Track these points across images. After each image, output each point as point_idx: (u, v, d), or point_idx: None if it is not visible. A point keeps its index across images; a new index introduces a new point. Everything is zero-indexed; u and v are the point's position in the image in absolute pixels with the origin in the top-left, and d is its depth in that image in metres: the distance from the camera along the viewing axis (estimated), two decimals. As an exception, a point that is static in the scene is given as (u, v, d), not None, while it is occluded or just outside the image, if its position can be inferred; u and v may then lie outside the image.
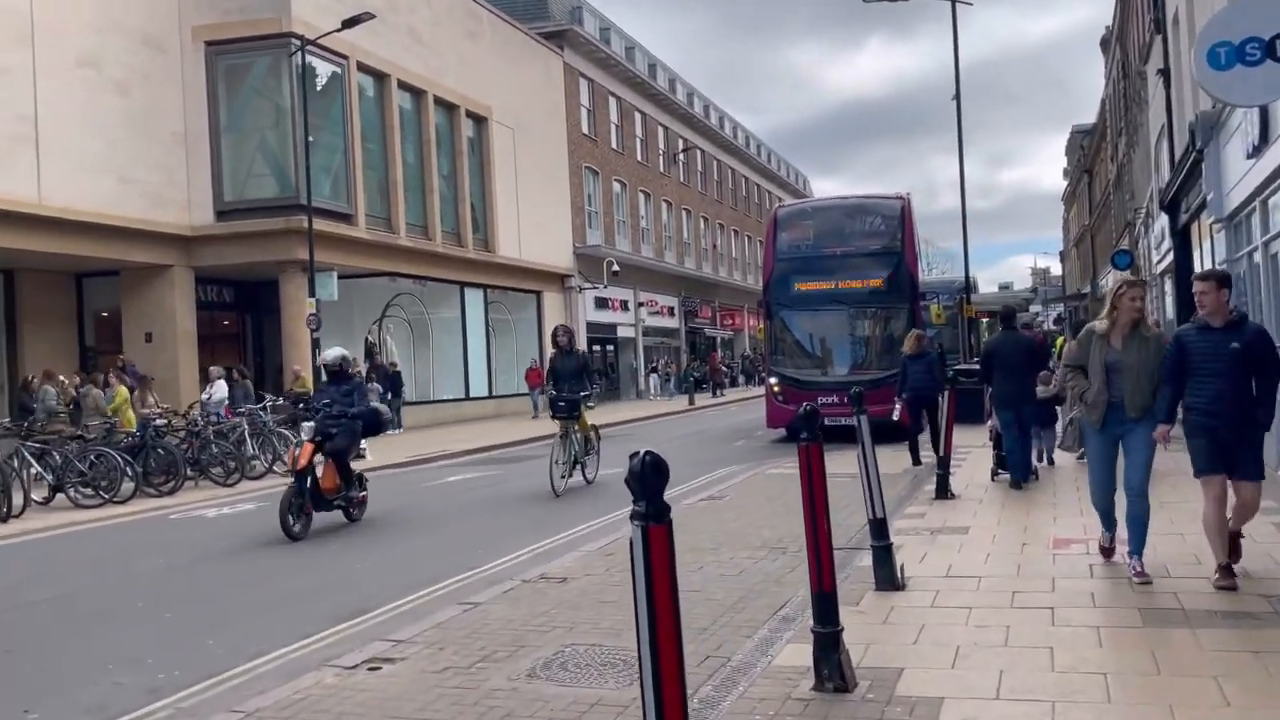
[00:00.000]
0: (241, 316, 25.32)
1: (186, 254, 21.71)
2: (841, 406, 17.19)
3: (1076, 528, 7.88)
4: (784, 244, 18.11)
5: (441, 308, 28.75)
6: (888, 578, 6.33)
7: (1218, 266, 12.77)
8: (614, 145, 39.17)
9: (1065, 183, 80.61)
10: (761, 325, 18.45)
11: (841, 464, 14.12)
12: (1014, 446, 10.62)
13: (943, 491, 9.96)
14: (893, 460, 13.72)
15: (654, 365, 38.63)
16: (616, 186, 39.27)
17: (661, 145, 44.53)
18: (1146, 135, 26.95)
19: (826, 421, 17.11)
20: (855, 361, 17.87)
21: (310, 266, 20.91)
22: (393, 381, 24.28)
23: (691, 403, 33.58)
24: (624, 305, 38.63)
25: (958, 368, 20.26)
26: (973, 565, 6.82)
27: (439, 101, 27.21)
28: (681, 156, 46.51)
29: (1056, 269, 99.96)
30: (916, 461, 13.39)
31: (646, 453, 2.59)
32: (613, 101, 39.26)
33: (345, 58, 23.19)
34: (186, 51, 21.55)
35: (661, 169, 44.25)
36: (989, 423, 12.89)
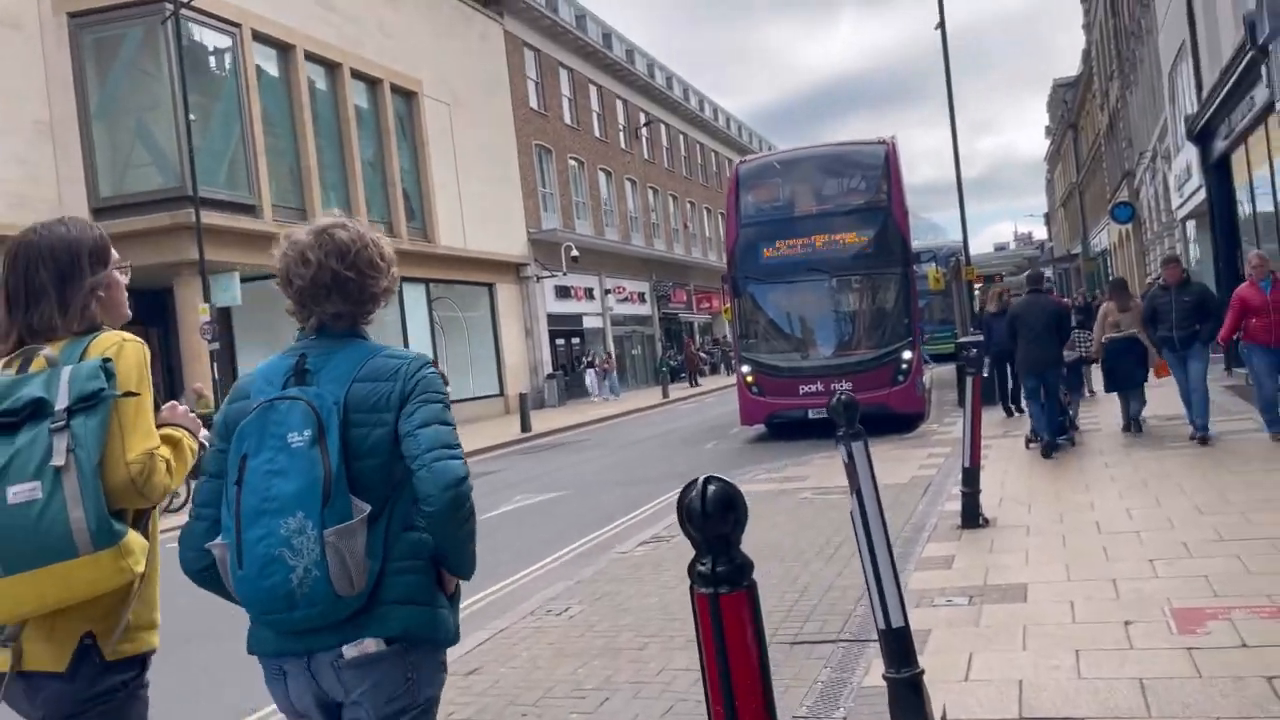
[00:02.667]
0: (145, 331, 22.29)
1: (62, 261, 18.66)
2: (829, 395, 14.42)
3: (1196, 584, 5.05)
4: (749, 206, 15.22)
5: (378, 307, 25.76)
6: (919, 736, 3.48)
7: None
8: (568, 120, 36.14)
9: (1048, 143, 77.77)
10: (728, 305, 15.60)
11: (836, 469, 11.35)
12: (1038, 413, 10.44)
13: (971, 517, 7.13)
14: (896, 463, 10.92)
15: (590, 359, 34.15)
16: (573, 165, 36.28)
17: (621, 120, 41.51)
18: (1150, 69, 24.17)
19: (811, 414, 14.27)
20: (841, 340, 15.04)
21: (201, 267, 17.97)
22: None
23: (665, 395, 30.75)
24: (589, 294, 35.71)
25: (961, 340, 17.50)
26: (1062, 684, 3.96)
27: (358, 75, 24.20)
28: (644, 131, 43.53)
29: (1040, 233, 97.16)
30: (1010, 413, 14.10)
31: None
32: (564, 73, 36.23)
33: (237, 26, 20.16)
34: (46, 26, 18.48)
35: (623, 145, 41.26)
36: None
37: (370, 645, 2.04)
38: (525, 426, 21.86)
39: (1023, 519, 7.23)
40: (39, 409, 2.05)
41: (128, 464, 2.08)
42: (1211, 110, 13.96)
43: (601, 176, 38.87)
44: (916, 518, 7.78)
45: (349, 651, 2.04)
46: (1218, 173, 15.17)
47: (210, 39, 19.94)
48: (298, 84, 21.99)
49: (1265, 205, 12.57)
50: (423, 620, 2.09)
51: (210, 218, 18.63)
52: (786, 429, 15.21)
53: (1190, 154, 17.02)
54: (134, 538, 2.09)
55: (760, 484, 10.49)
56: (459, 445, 2.09)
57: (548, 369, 32.11)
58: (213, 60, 20.16)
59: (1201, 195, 16.56)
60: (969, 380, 7.19)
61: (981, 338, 16.74)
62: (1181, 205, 19.86)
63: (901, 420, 14.25)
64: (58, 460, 2.00)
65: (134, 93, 19.33)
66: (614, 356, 35.00)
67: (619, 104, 41.29)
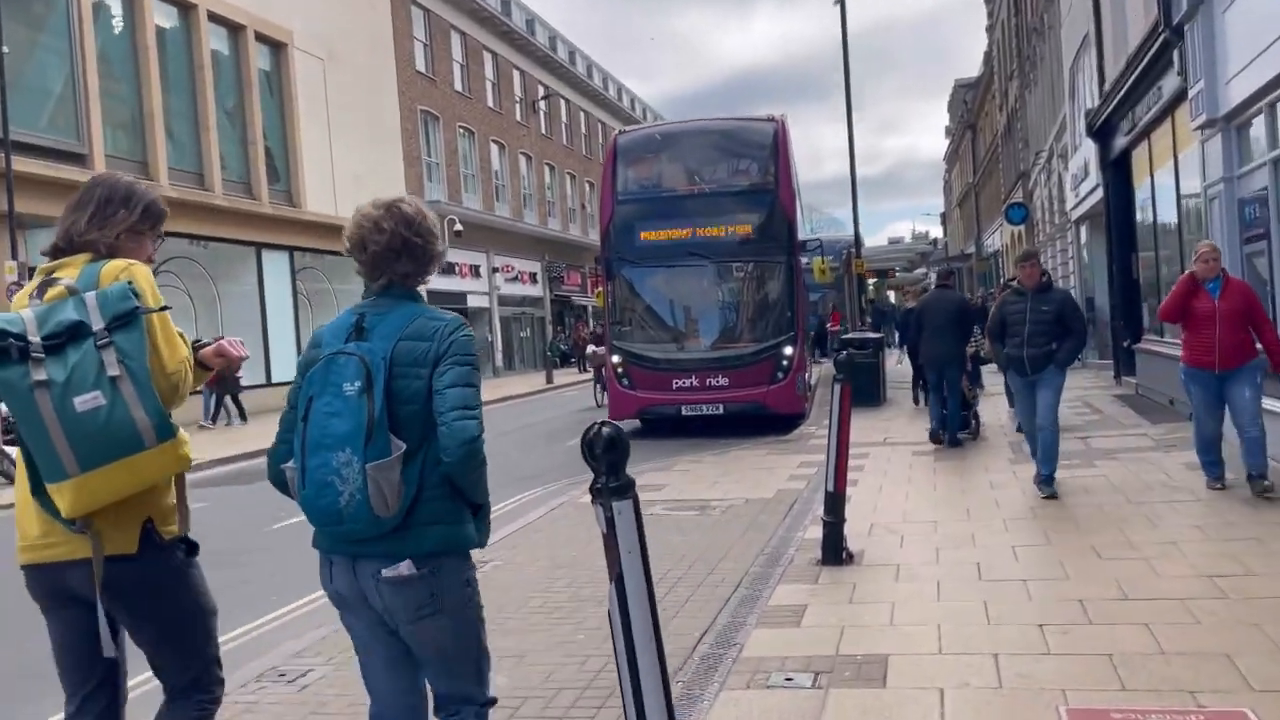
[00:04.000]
0: (-45, 289, 19.81)
1: None
2: (703, 391, 13.33)
3: (1097, 667, 3.94)
4: (626, 181, 13.93)
5: (233, 275, 23.65)
6: None
7: (1207, 187, 9.13)
8: (458, 87, 34.27)
9: (948, 143, 78.59)
10: (599, 289, 14.31)
11: (699, 477, 10.17)
12: (936, 409, 10.65)
13: (834, 551, 5.98)
14: (764, 472, 9.78)
15: None
16: (462, 135, 34.45)
17: (518, 92, 39.76)
18: (1051, 66, 23.72)
19: (685, 410, 13.15)
20: (719, 332, 13.89)
21: (10, 220, 15.83)
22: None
23: (549, 381, 29.36)
24: (475, 271, 33.97)
25: (847, 336, 16.59)
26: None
27: (217, 19, 22.02)
28: (542, 105, 41.85)
29: (937, 232, 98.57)
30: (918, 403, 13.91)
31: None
32: (455, 37, 34.31)
33: (69, -49, 17.90)
34: None
35: (519, 118, 39.52)
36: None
37: (404, 569, 2.46)
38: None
39: (893, 555, 6.11)
40: (78, 330, 2.40)
41: (168, 375, 2.52)
42: (1114, 104, 13.20)
43: (494, 149, 37.12)
44: (773, 546, 6.60)
45: (386, 573, 2.47)
46: (1116, 170, 14.49)
47: (35, -37, 17.66)
48: (143, 23, 19.79)
49: (1166, 204, 11.83)
50: (450, 536, 2.51)
51: (26, 165, 16.49)
52: (661, 425, 14.04)
53: (1089, 151, 16.37)
54: (183, 431, 2.52)
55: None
56: (478, 405, 2.49)
57: (426, 349, 30.34)
58: (37, -13, 17.87)
59: (1098, 195, 15.92)
60: (837, 388, 6.01)
61: (875, 334, 16.17)
62: (1076, 205, 19.33)
63: (779, 421, 13.20)
64: (112, 371, 2.38)
65: (-62, 17, 16.93)
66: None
67: (516, 74, 39.52)
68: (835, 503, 6.02)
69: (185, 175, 20.90)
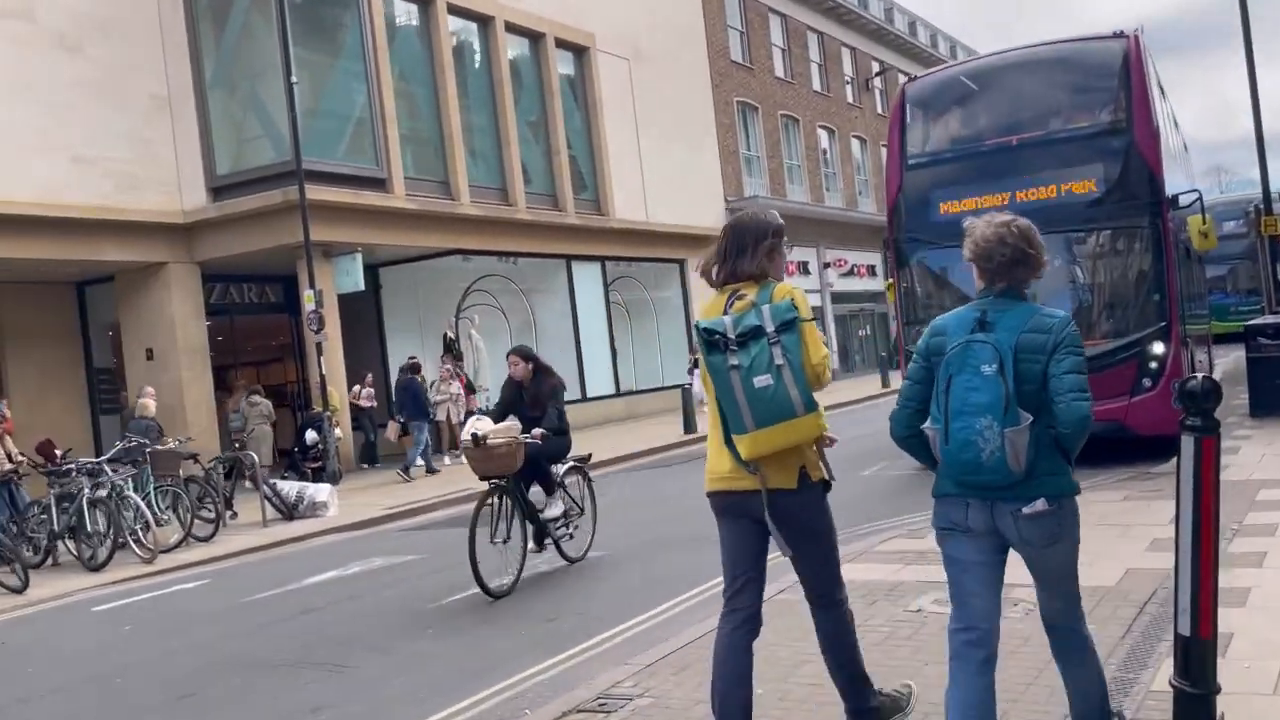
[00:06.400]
0: (293, 320, 20.93)
1: (186, 246, 17.42)
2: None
3: None
4: (920, 139, 11.02)
5: (544, 288, 23.26)
6: None
7: None
8: (779, 73, 32.12)
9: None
10: (890, 280, 11.48)
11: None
12: None
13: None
14: (1114, 532, 6.58)
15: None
16: (785, 123, 32.26)
17: (848, 72, 36.86)
18: None
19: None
20: (1058, 326, 10.56)
21: (306, 250, 16.00)
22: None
23: (885, 384, 26.37)
24: (803, 268, 31.63)
25: (1252, 323, 12.35)
26: None
27: (514, 29, 21.62)
28: (877, 82, 38.57)
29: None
30: None
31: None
32: (775, 20, 32.21)
33: (362, -23, 18.07)
34: (163, -8, 17.17)
35: (850, 99, 36.64)
36: None
37: (1040, 505, 3.07)
38: (689, 426, 18.55)
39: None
40: (757, 332, 3.39)
41: (813, 365, 3.42)
42: None
43: (822, 135, 34.57)
44: (1113, 666, 3.79)
45: (1026, 510, 3.09)
46: None
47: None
48: (439, 40, 19.67)
49: None
50: (1061, 482, 3.12)
51: (327, 193, 16.71)
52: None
53: None
54: (821, 408, 3.43)
55: (875, 562, 6.63)
56: (1088, 390, 3.06)
57: (752, 353, 28.57)
58: (334, 15, 18.19)
59: None
60: (1190, 445, 3.15)
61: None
62: None
63: (1146, 445, 9.68)
64: (778, 361, 3.35)
65: (247, 57, 17.70)
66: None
67: (846, 53, 36.67)
68: (1195, 656, 3.17)
69: (488, 191, 20.63)
